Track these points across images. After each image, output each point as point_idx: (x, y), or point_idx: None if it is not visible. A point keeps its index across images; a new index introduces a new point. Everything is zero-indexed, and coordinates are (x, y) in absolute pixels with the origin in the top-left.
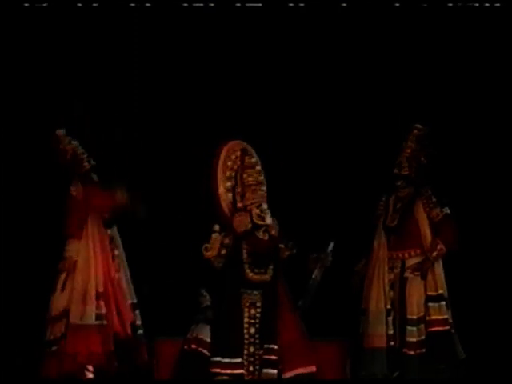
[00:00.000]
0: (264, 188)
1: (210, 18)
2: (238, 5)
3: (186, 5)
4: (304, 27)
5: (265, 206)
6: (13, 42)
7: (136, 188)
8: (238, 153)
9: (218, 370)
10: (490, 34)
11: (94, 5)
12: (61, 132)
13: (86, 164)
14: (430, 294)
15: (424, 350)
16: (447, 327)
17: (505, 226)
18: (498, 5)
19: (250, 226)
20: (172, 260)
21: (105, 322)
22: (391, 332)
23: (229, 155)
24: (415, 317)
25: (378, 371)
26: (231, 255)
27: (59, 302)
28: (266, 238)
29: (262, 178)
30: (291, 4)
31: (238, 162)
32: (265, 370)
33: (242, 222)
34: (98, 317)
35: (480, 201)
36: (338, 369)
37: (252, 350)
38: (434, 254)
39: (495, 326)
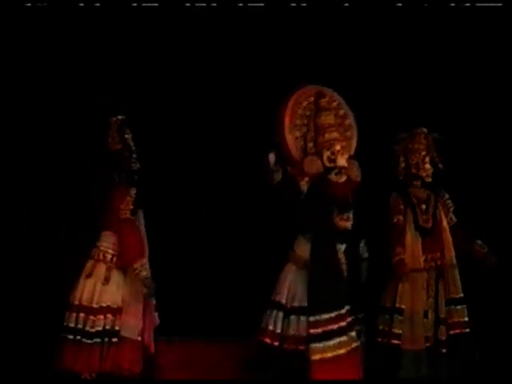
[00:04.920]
0: (341, 130)
1: (213, 18)
2: (240, 5)
3: (188, 5)
4: (306, 27)
5: (337, 147)
6: (14, 42)
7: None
8: (312, 98)
9: (318, 331)
10: (494, 34)
11: (96, 5)
12: (121, 118)
13: (134, 165)
14: (453, 296)
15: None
16: (468, 330)
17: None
18: (500, 5)
19: (321, 168)
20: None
21: (139, 338)
22: (429, 334)
23: (299, 102)
24: (443, 316)
25: (421, 372)
26: (316, 199)
27: (102, 295)
28: (342, 180)
29: (340, 121)
30: (293, 4)
31: (313, 107)
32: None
33: (311, 164)
34: (139, 332)
35: (488, 208)
36: None
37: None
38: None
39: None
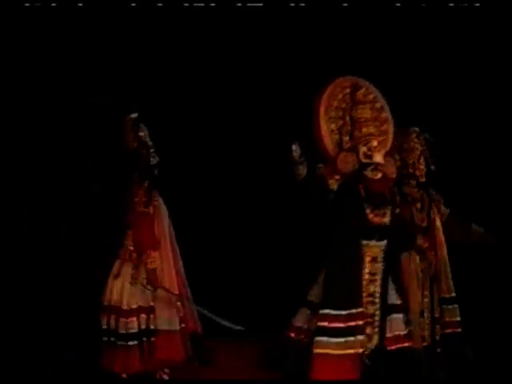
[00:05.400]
0: (377, 124)
1: (211, 18)
2: (239, 5)
3: (187, 5)
4: (305, 27)
5: (374, 143)
6: (13, 42)
7: None
8: (348, 90)
9: (325, 324)
10: (491, 34)
11: (95, 5)
12: (133, 116)
13: (152, 159)
14: (443, 296)
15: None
16: (459, 329)
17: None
18: (497, 5)
19: (356, 165)
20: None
21: (183, 325)
22: (426, 333)
23: (335, 94)
24: (438, 315)
25: (419, 372)
26: (349, 195)
27: (132, 296)
28: (378, 177)
29: (376, 114)
30: (292, 4)
31: (348, 100)
32: None
33: (346, 161)
34: (181, 320)
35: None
36: None
37: (371, 310)
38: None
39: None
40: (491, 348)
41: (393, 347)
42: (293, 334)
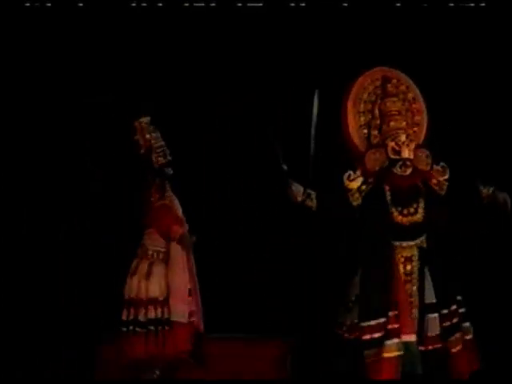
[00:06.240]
0: (409, 116)
1: (212, 18)
2: (239, 5)
3: (187, 5)
4: (305, 27)
5: (402, 138)
6: (13, 42)
7: None
8: (378, 82)
9: (368, 337)
10: (492, 34)
11: (95, 5)
12: (145, 120)
13: (160, 159)
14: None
15: None
16: None
17: None
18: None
19: (386, 162)
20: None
21: (191, 320)
22: None
23: (365, 87)
24: None
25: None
26: (374, 202)
27: (149, 288)
28: (407, 172)
29: (407, 105)
30: (292, 4)
31: (378, 92)
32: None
33: (375, 158)
34: (190, 314)
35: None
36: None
37: (415, 311)
38: None
39: None
40: (492, 348)
41: (429, 347)
42: (343, 332)
